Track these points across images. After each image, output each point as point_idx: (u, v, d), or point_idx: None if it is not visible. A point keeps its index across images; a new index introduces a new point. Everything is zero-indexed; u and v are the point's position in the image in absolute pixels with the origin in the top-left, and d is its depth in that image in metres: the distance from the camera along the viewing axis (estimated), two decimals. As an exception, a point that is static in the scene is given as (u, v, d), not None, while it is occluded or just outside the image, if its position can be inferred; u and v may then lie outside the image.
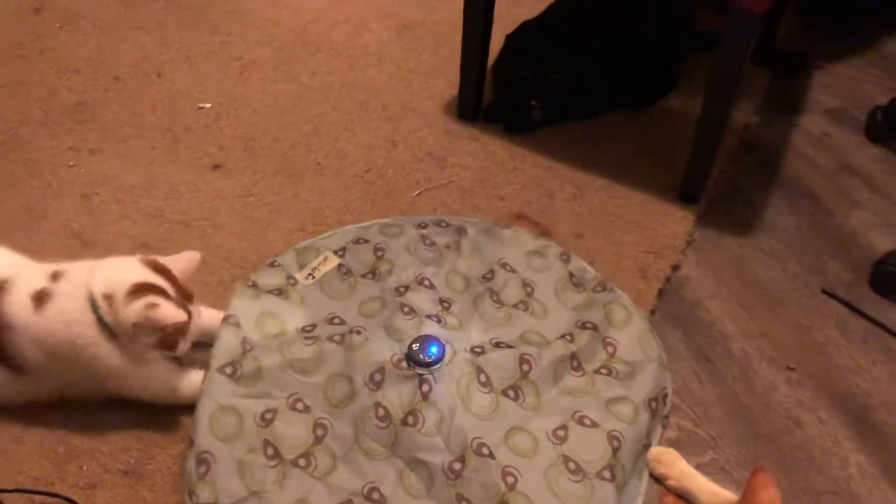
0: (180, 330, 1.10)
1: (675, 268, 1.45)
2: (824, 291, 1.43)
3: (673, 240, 1.49)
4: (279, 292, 1.30)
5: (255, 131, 1.68)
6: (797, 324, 1.38)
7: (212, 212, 1.49)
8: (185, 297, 1.13)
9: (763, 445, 1.19)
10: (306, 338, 1.21)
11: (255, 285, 1.31)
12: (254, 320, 1.24)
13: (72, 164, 1.58)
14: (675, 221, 1.53)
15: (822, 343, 1.35)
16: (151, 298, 1.07)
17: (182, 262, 1.16)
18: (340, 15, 2.04)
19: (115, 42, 1.90)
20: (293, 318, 1.28)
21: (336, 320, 1.28)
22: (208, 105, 1.74)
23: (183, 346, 1.13)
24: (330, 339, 1.21)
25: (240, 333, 1.21)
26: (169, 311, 1.07)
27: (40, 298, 1.09)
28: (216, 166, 1.60)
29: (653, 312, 1.37)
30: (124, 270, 1.11)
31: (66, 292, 1.10)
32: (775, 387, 1.27)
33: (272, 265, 1.36)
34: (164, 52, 1.88)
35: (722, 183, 1.63)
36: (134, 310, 1.06)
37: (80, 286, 1.09)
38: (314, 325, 1.26)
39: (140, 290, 1.08)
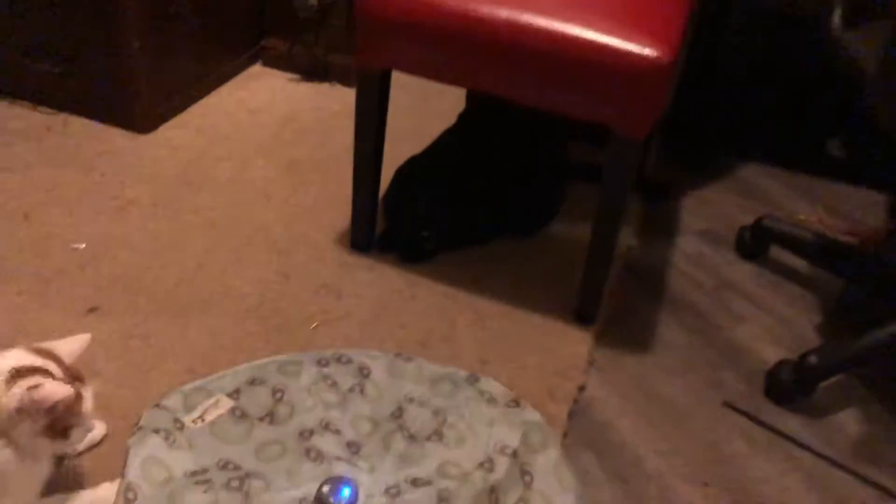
0: (71, 411, 1.03)
1: (581, 388, 1.44)
2: (725, 404, 1.45)
3: (575, 360, 1.49)
4: (165, 435, 1.18)
5: (136, 271, 1.59)
6: (704, 438, 1.38)
7: (88, 358, 1.35)
8: (74, 378, 1.06)
9: (692, 566, 1.15)
10: (198, 482, 1.10)
11: (140, 428, 1.18)
12: (138, 465, 1.11)
13: (-77, 314, 1.42)
14: (575, 342, 1.53)
15: (731, 455, 1.35)
16: (34, 380, 0.99)
17: (71, 343, 1.10)
18: (222, 153, 2.01)
19: (-25, 185, 1.78)
20: (180, 462, 1.16)
21: (230, 466, 1.17)
22: (82, 245, 1.63)
23: (77, 435, 1.06)
24: (226, 485, 1.10)
25: (122, 482, 1.08)
26: (53, 389, 0.99)
27: None
28: (92, 309, 1.48)
29: (565, 435, 1.34)
30: (1, 360, 1.03)
31: None
32: (694, 504, 1.26)
33: (157, 406, 1.24)
34: (32, 194, 1.77)
35: (613, 303, 1.67)
36: (15, 394, 0.98)
37: None
38: (205, 471, 1.15)
39: (20, 374, 1.00)
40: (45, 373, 1.03)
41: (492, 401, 1.32)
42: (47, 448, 1.05)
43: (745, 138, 2.26)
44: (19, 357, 1.04)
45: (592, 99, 1.38)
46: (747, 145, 2.26)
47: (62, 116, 2.04)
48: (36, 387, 0.99)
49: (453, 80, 1.51)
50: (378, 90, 1.53)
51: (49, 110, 2.05)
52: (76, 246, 1.63)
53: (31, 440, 1.01)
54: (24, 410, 0.98)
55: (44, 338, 1.37)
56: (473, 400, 1.32)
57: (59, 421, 1.02)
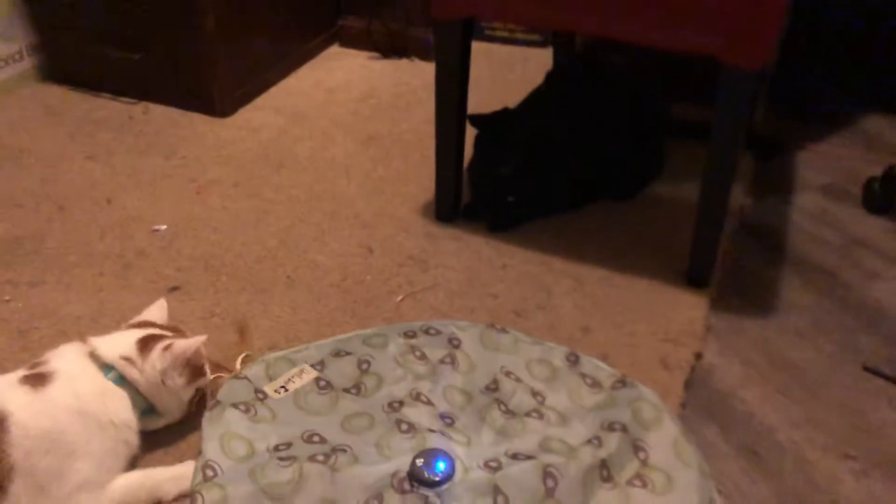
0: (199, 355, 1.14)
1: (698, 356, 1.29)
2: (866, 369, 1.28)
3: (690, 326, 1.34)
4: (245, 408, 1.10)
5: (216, 249, 1.53)
6: (844, 406, 1.21)
7: (169, 337, 1.30)
8: (177, 332, 1.18)
9: (843, 550, 1.00)
10: (281, 458, 1.01)
11: (216, 403, 1.11)
12: (217, 442, 1.03)
13: (7, 298, 1.40)
14: (688, 307, 1.39)
15: (878, 425, 1.18)
16: (161, 343, 1.10)
17: (155, 310, 1.21)
18: (302, 131, 1.95)
19: (61, 173, 1.77)
20: (262, 436, 1.07)
21: (315, 438, 1.08)
22: (163, 227, 1.59)
23: (207, 370, 1.17)
24: (311, 458, 1.01)
25: (201, 458, 1.01)
26: (183, 343, 1.11)
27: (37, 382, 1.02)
28: (174, 288, 1.43)
29: (683, 406, 1.20)
30: (120, 337, 1.12)
31: (68, 373, 1.05)
32: (839, 479, 1.09)
33: (237, 377, 1.17)
34: (114, 179, 1.75)
35: (728, 265, 1.51)
36: (154, 358, 1.09)
37: (80, 364, 1.07)
38: (289, 444, 1.06)
39: (147, 343, 1.10)
40: (162, 336, 1.12)
41: (595, 385, 1.19)
42: (189, 393, 1.13)
43: (863, 85, 2.04)
44: (130, 333, 1.12)
45: (702, 23, 1.22)
46: (865, 93, 2.05)
47: (142, 104, 2.03)
48: (168, 346, 1.09)
49: (542, 21, 1.39)
50: (459, 43, 1.42)
51: (129, 100, 2.05)
52: (157, 228, 1.59)
53: (177, 394, 1.11)
54: (168, 369, 1.09)
55: (124, 318, 1.33)
56: (575, 386, 1.19)
57: (196, 366, 1.13)
